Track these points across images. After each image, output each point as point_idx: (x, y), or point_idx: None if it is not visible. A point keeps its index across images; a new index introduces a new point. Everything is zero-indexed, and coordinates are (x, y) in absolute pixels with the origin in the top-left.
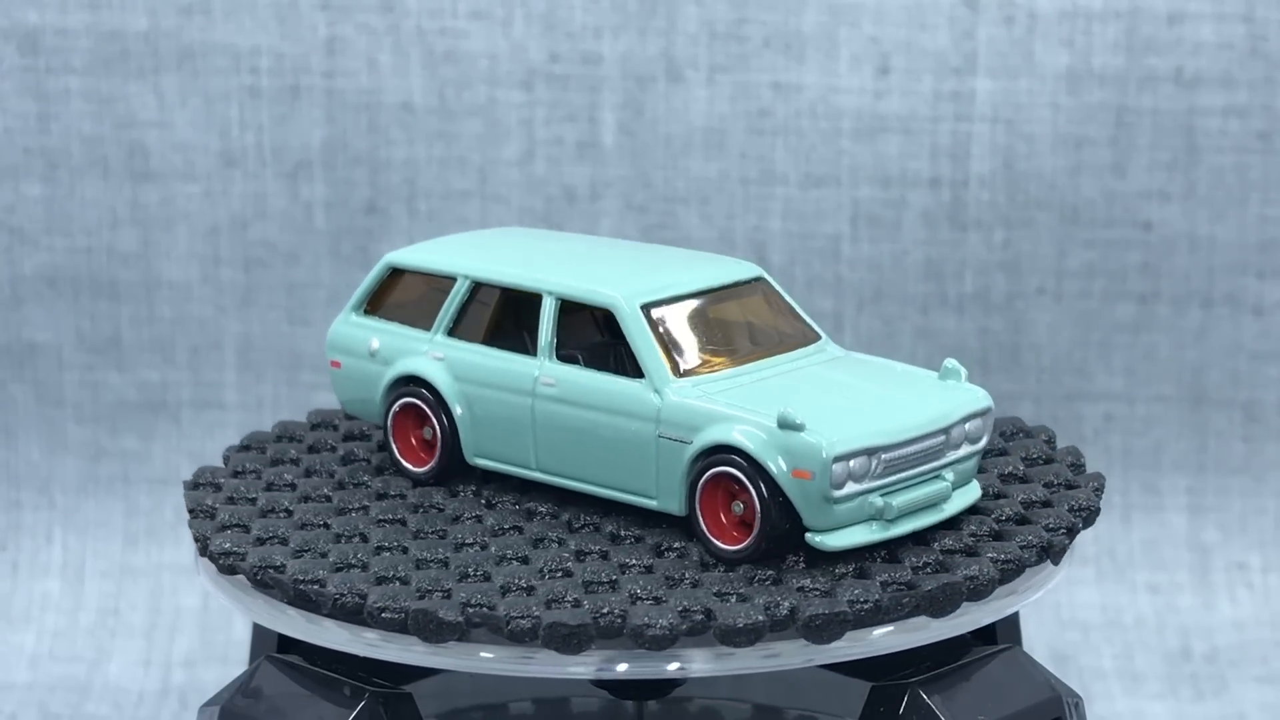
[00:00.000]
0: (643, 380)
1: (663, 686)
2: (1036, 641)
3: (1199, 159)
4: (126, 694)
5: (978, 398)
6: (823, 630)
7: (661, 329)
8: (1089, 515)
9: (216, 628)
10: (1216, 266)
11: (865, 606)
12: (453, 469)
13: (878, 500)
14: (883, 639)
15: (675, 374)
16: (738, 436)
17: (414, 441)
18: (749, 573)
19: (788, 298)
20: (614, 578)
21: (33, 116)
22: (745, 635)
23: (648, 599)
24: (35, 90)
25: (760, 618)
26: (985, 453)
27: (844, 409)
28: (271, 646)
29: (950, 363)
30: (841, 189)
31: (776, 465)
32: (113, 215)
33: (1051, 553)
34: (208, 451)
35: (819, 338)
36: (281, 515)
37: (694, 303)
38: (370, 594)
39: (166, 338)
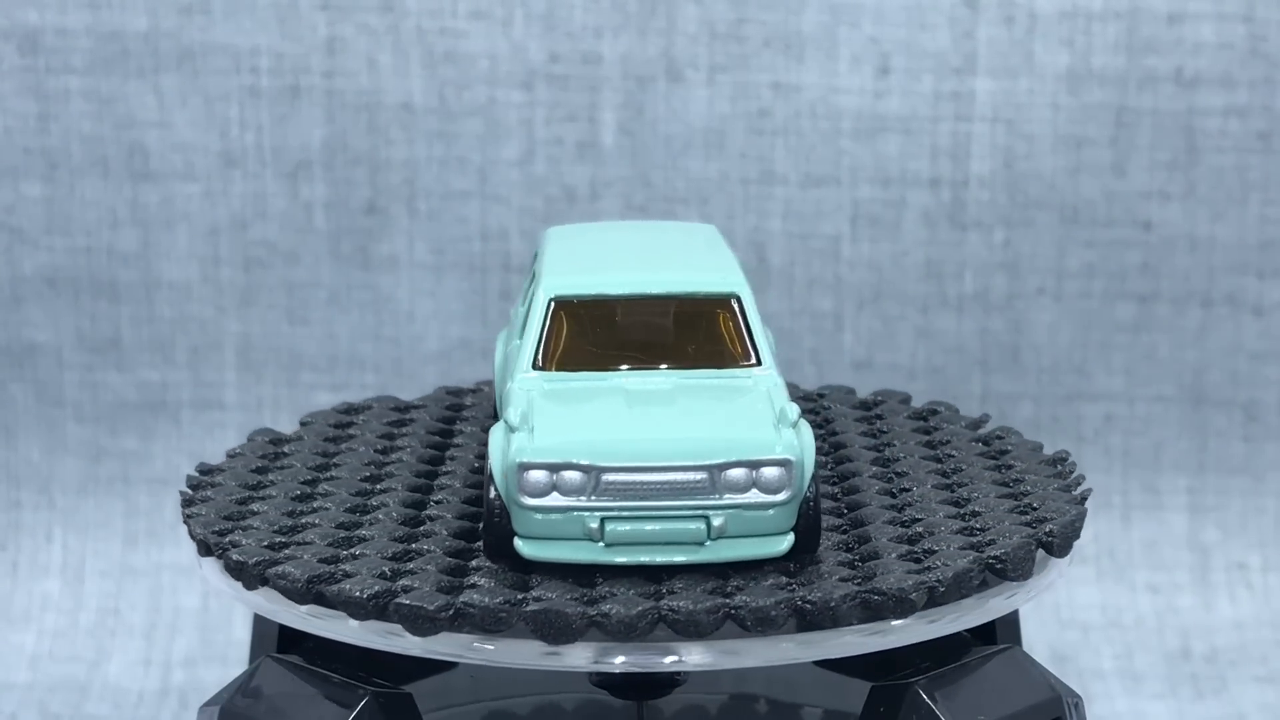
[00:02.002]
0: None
1: (662, 686)
2: (1036, 641)
3: (1199, 159)
4: (126, 694)
5: (774, 446)
6: (417, 624)
7: (558, 323)
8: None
9: (216, 628)
10: (1216, 266)
11: (475, 610)
12: None
13: (592, 521)
14: (883, 637)
15: (534, 366)
16: (491, 433)
17: None
18: (474, 564)
19: (753, 321)
20: (365, 536)
21: (33, 116)
22: (354, 607)
23: (335, 566)
24: (35, 90)
25: (361, 593)
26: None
27: (607, 426)
28: (271, 646)
29: (788, 406)
30: (841, 189)
31: (498, 464)
32: (113, 215)
33: (767, 620)
34: (208, 452)
35: (756, 364)
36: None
37: (623, 306)
38: (207, 527)
39: (166, 338)
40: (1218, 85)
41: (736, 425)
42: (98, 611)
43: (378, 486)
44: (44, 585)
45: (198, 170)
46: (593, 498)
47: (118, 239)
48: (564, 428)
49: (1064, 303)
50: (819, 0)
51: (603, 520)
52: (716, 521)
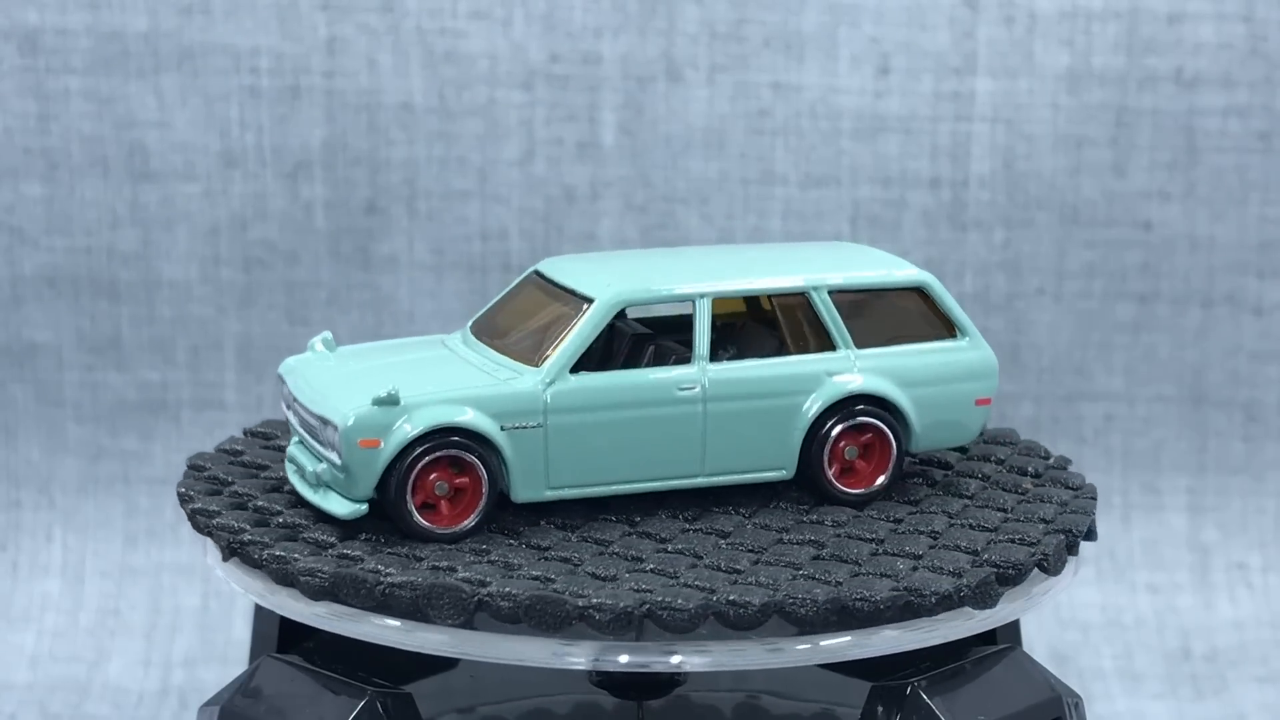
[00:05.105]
0: None
1: (662, 686)
2: (1036, 641)
3: (1199, 159)
4: (126, 694)
5: (335, 410)
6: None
7: (522, 294)
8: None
9: (216, 628)
10: (1216, 266)
11: (314, 577)
12: None
13: (295, 438)
14: (884, 640)
15: (469, 326)
16: None
17: None
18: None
19: (578, 329)
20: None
21: (33, 116)
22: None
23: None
24: (35, 90)
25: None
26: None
27: (345, 370)
28: (271, 646)
29: (417, 391)
30: (841, 189)
31: None
32: (113, 215)
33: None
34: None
35: (535, 365)
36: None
37: (551, 293)
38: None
39: (166, 338)
40: (1218, 85)
41: (366, 391)
42: (98, 611)
43: None
44: (44, 585)
45: (198, 170)
46: (295, 420)
47: (118, 239)
48: (340, 363)
49: (1064, 303)
50: (819, 0)
51: (302, 449)
52: (318, 468)
